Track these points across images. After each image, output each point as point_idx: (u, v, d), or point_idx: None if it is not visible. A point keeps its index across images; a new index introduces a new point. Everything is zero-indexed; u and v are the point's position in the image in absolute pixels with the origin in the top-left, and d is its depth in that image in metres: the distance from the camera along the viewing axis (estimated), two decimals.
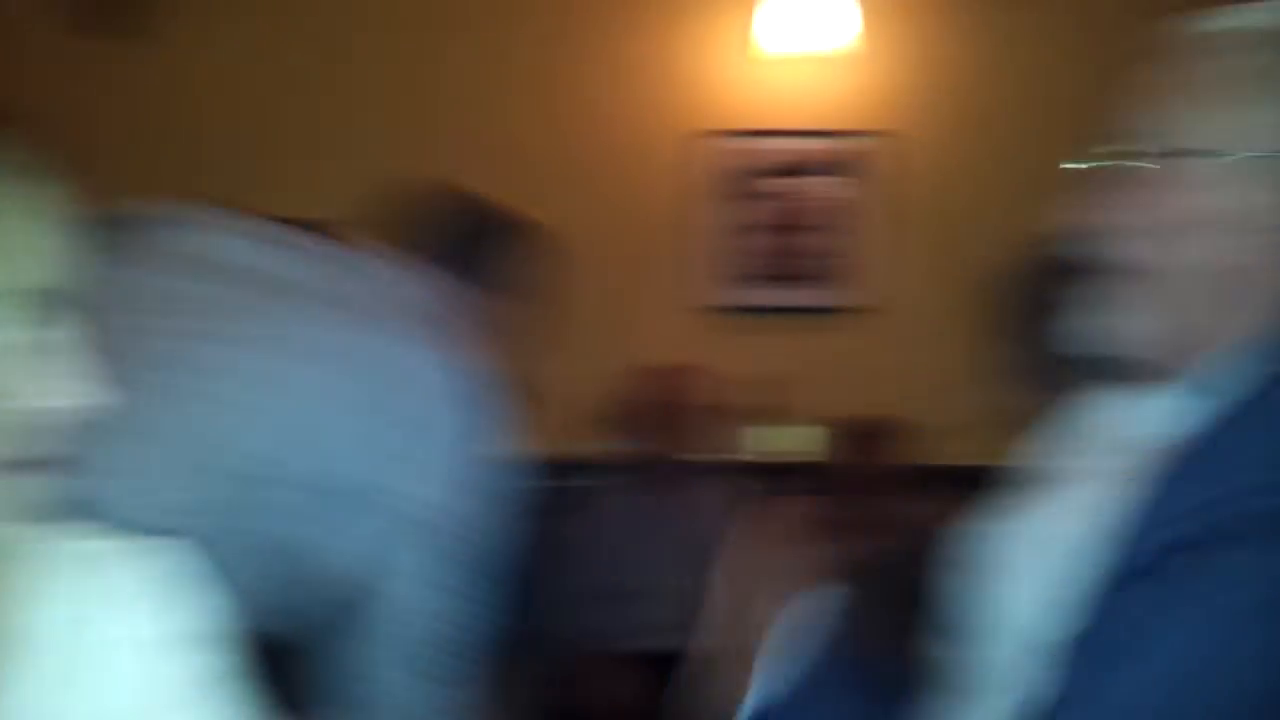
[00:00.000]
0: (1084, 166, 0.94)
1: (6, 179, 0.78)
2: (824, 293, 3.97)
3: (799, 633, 1.20)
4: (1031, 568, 0.94)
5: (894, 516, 3.22)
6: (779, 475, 3.72)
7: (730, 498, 3.29)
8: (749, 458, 3.78)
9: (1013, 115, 3.95)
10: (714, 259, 3.97)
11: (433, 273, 1.74)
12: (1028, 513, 1.15)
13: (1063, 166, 0.95)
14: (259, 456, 1.46)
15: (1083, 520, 0.84)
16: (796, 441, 3.81)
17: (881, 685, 1.18)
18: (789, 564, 3.18)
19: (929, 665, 1.14)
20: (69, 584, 0.81)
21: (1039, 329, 1.47)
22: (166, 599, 0.84)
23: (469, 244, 1.86)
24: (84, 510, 0.81)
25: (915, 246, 3.96)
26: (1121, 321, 0.91)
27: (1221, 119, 0.85)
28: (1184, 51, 0.89)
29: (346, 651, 1.58)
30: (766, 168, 3.97)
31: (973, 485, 3.85)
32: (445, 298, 1.74)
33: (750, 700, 1.13)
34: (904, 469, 3.32)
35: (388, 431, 1.53)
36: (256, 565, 1.45)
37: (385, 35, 4.04)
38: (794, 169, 3.97)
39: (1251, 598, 0.67)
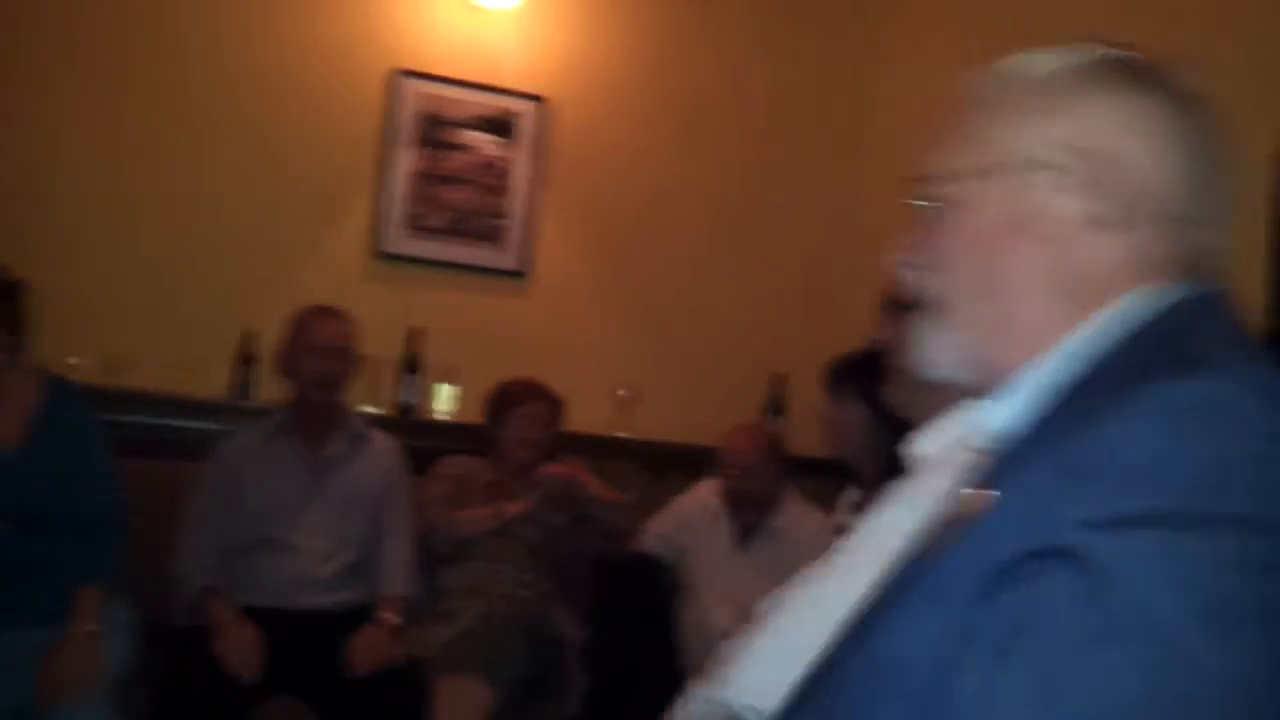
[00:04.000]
0: (913, 204, 1.00)
1: None
2: (493, 253, 3.96)
3: None
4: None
5: (552, 482, 3.26)
6: (438, 433, 3.71)
7: (392, 452, 3.23)
8: (408, 414, 3.74)
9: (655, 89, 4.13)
10: (396, 206, 3.86)
11: None
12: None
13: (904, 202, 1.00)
14: None
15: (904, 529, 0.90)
16: (454, 401, 3.80)
17: None
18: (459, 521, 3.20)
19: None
20: None
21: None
22: None
23: None
24: None
25: (564, 212, 4.04)
26: (929, 349, 0.97)
27: (992, 141, 0.92)
28: (966, 94, 0.97)
29: None
30: (457, 118, 3.91)
31: (610, 455, 4.03)
32: None
33: None
34: (539, 431, 3.38)
35: None
36: None
37: None
38: (477, 123, 3.94)
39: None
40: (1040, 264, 0.89)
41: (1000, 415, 0.90)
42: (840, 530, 2.66)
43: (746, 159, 4.26)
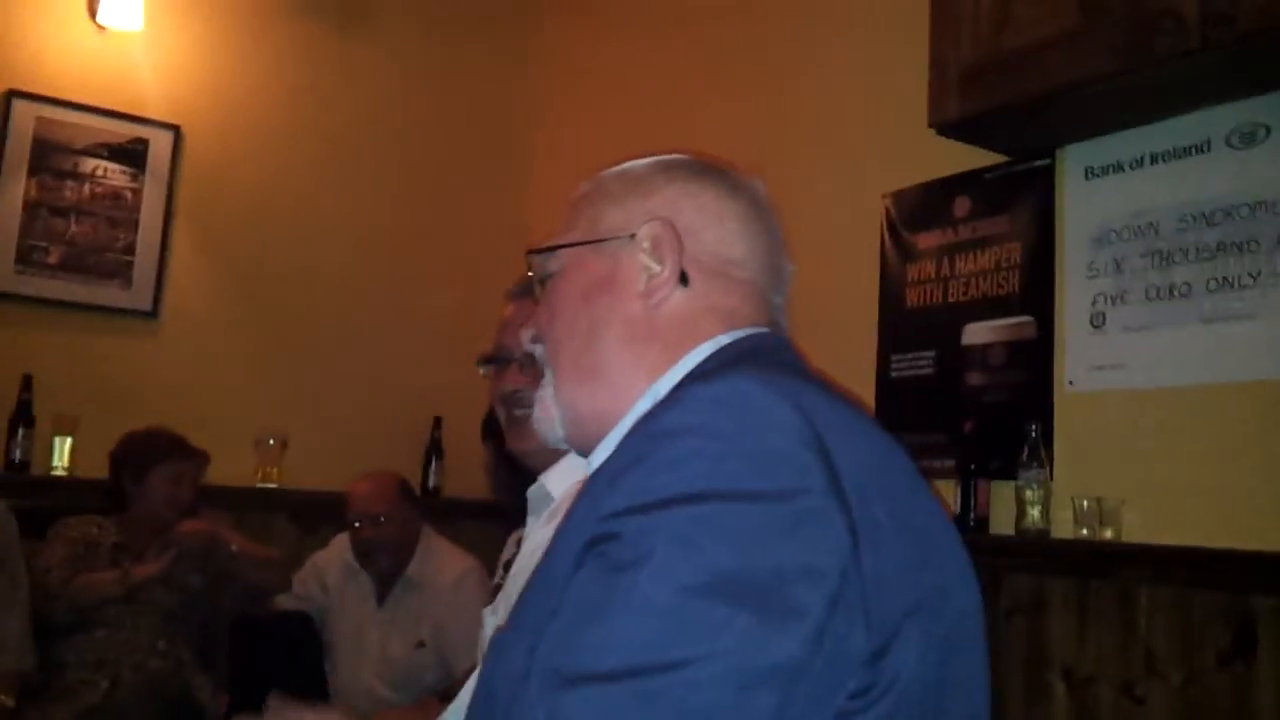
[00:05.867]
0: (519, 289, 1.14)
1: None
2: (118, 291, 3.65)
3: None
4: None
5: (189, 540, 3.01)
6: (54, 491, 3.35)
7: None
8: (19, 470, 3.36)
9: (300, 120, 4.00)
10: (6, 240, 3.48)
11: None
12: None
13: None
14: None
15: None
16: (72, 455, 3.45)
17: None
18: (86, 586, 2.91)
19: None
20: None
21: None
22: None
23: None
24: None
25: (201, 248, 3.81)
26: (545, 412, 1.08)
27: (594, 219, 1.08)
28: (579, 192, 1.12)
29: None
30: (78, 145, 3.59)
31: (256, 507, 3.78)
32: None
33: None
34: (187, 489, 3.13)
35: None
36: None
37: None
38: (103, 151, 3.64)
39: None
40: (631, 316, 1.03)
41: (601, 458, 1.00)
42: (507, 567, 2.62)
43: (398, 196, 4.16)
